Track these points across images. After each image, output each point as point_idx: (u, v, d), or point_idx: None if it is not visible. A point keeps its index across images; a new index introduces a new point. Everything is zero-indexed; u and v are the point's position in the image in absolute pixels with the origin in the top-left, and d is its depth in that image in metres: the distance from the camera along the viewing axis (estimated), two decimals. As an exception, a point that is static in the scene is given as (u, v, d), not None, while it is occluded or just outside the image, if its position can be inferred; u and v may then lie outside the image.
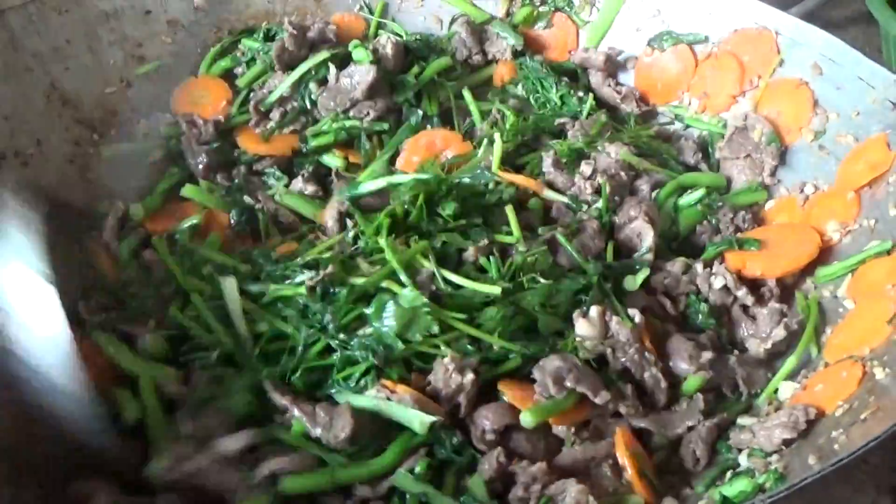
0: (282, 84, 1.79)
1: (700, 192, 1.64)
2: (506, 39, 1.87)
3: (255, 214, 1.71)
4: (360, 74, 1.75)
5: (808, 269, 1.59)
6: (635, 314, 1.45)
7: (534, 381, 1.37)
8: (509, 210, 1.54)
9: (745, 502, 1.26)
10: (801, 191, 1.66)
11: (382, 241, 1.46)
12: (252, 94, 1.84)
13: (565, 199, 1.62)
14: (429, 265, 1.44)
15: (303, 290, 1.43)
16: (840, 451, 1.25)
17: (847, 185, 1.59)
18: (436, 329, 1.40)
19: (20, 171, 1.74)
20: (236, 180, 1.77)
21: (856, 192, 1.57)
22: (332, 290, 1.44)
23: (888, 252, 1.48)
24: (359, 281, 1.43)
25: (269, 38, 1.88)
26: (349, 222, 1.59)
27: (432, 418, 1.32)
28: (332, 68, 1.78)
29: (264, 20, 1.93)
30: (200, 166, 1.79)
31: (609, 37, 1.87)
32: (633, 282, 1.51)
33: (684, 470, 1.41)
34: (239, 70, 1.89)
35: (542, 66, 1.82)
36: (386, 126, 1.78)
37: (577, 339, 1.42)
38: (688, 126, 1.81)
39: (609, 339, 1.43)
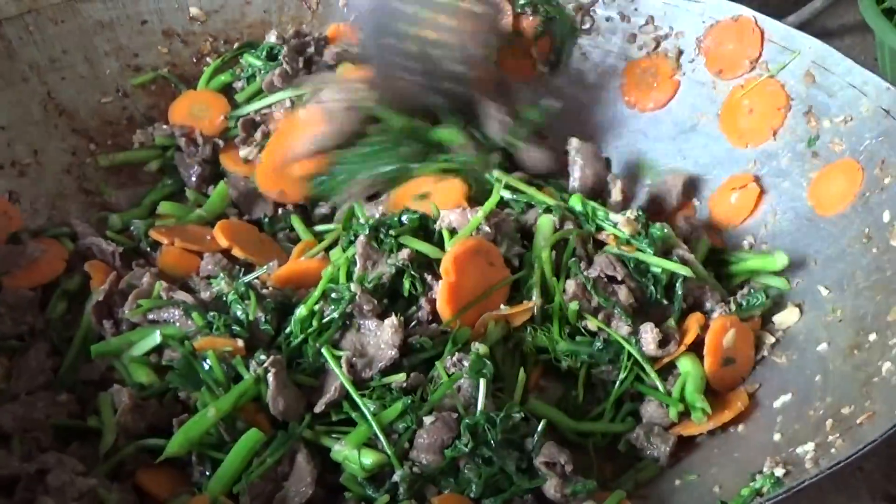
0: (259, 102, 1.83)
1: None
2: None
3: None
4: None
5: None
6: None
7: None
8: None
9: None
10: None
11: None
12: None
13: None
14: None
15: None
16: (836, 455, 1.25)
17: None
18: None
19: (17, 181, 1.74)
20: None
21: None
22: None
23: None
24: None
25: (271, 56, 1.89)
26: None
27: None
28: None
29: (260, 30, 1.93)
30: (194, 177, 1.80)
31: (606, 45, 1.88)
32: None
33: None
34: (238, 84, 1.90)
35: None
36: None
37: None
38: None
39: None
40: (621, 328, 1.51)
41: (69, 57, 1.81)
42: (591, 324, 1.51)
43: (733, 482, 1.36)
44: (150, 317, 1.53)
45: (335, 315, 1.46)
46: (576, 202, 1.64)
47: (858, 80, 1.62)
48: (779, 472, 1.30)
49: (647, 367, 1.49)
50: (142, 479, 1.38)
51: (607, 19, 1.87)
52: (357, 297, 1.45)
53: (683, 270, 1.54)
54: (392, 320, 1.43)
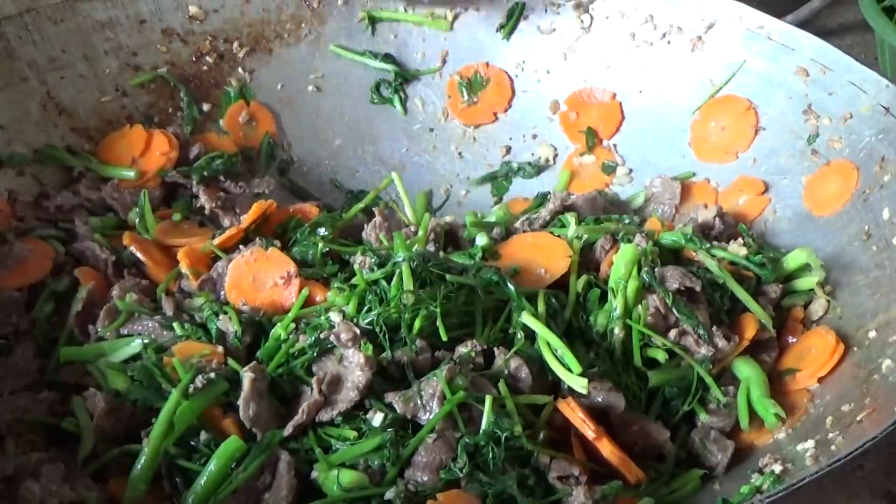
0: None
1: None
2: None
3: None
4: None
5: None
6: None
7: None
8: None
9: (743, 503, 1.26)
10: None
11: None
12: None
13: None
14: None
15: None
16: (837, 452, 1.25)
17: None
18: None
19: (17, 180, 1.74)
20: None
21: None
22: None
23: None
24: None
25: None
26: None
27: None
28: None
29: (260, 29, 1.93)
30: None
31: (604, 43, 1.88)
32: None
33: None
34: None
35: None
36: None
37: None
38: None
39: None
40: (699, 350, 1.45)
41: (68, 56, 1.80)
42: (661, 356, 1.44)
43: (733, 479, 1.36)
44: (123, 331, 1.52)
45: (310, 340, 1.41)
46: (676, 236, 1.58)
47: (858, 77, 1.62)
48: (778, 469, 1.30)
49: (714, 388, 1.44)
50: (114, 490, 1.35)
51: (606, 17, 1.88)
52: (337, 325, 1.41)
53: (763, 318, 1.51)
54: (360, 356, 1.37)
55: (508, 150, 1.94)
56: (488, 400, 1.33)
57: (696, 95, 1.80)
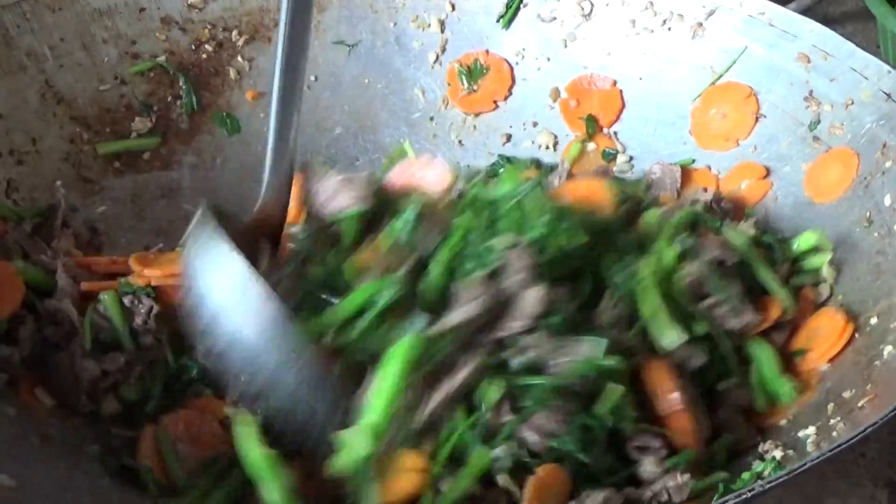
0: None
1: None
2: None
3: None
4: None
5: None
6: None
7: None
8: None
9: (744, 489, 1.25)
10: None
11: None
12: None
13: None
14: None
15: None
16: (838, 438, 1.24)
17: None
18: None
19: (15, 169, 1.74)
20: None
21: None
22: None
23: None
24: None
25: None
26: None
27: None
28: None
29: (259, 17, 1.92)
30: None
31: (604, 30, 1.88)
32: None
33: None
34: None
35: None
36: None
37: None
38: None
39: None
40: (730, 322, 1.44)
41: (67, 45, 1.80)
42: (700, 328, 1.41)
43: (734, 466, 1.36)
44: None
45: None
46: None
47: (859, 63, 1.62)
48: (779, 455, 1.30)
49: (733, 365, 1.44)
50: None
51: (606, 4, 1.87)
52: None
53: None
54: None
55: (509, 137, 1.93)
56: (617, 391, 1.31)
57: (697, 82, 1.79)
